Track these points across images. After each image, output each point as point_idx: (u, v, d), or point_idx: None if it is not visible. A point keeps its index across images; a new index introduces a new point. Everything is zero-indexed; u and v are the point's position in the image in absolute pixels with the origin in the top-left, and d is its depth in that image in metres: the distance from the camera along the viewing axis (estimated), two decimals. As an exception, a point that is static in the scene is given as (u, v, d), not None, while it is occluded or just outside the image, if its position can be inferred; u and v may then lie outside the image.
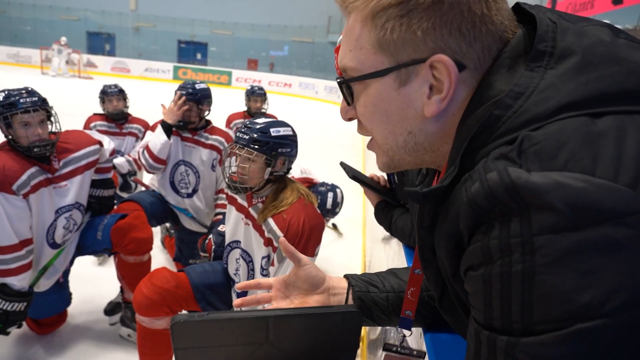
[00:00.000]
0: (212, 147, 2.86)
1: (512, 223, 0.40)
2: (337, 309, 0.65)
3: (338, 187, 3.20)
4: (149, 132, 2.86)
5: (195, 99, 2.74)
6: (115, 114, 3.52)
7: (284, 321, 0.61)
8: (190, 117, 2.76)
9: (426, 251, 0.60)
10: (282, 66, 23.78)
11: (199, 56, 24.93)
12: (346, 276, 0.87)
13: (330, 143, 8.81)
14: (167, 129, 2.70)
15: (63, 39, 16.69)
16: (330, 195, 3.10)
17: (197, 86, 2.78)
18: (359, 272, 3.61)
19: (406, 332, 0.82)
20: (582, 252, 0.36)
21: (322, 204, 3.08)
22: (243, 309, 0.80)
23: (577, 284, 0.36)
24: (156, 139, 2.70)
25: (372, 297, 0.83)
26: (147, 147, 2.72)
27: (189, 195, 2.91)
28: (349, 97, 0.59)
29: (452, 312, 0.62)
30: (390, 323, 0.86)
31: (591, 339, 0.36)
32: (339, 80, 0.58)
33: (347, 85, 0.57)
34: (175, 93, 2.74)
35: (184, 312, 1.99)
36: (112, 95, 3.50)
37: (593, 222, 0.36)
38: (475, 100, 0.49)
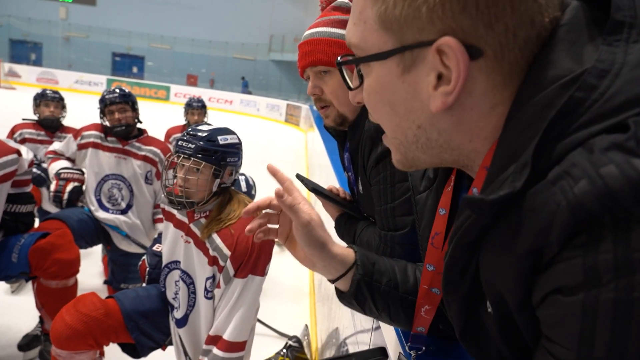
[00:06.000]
0: (145, 159, 2.66)
1: (633, 233, 0.31)
2: (363, 355, 0.64)
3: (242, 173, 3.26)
4: (70, 137, 2.69)
5: (129, 100, 2.62)
6: (50, 120, 3.23)
7: None
8: (127, 118, 2.60)
9: (454, 273, 0.49)
10: (222, 82, 23.46)
11: (135, 70, 24.03)
12: (354, 250, 0.75)
13: (273, 160, 8.65)
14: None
15: None
16: (242, 179, 3.12)
17: (125, 89, 2.72)
18: (307, 284, 3.49)
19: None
20: None
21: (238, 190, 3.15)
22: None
23: None
24: (58, 165, 2.62)
25: (373, 288, 0.73)
26: (51, 161, 2.66)
27: (124, 212, 2.67)
28: (350, 80, 0.51)
29: (478, 343, 0.51)
30: (379, 318, 0.77)
31: None
32: (337, 61, 0.49)
33: (358, 66, 0.49)
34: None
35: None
36: (51, 100, 3.24)
37: None
38: (530, 85, 0.40)
